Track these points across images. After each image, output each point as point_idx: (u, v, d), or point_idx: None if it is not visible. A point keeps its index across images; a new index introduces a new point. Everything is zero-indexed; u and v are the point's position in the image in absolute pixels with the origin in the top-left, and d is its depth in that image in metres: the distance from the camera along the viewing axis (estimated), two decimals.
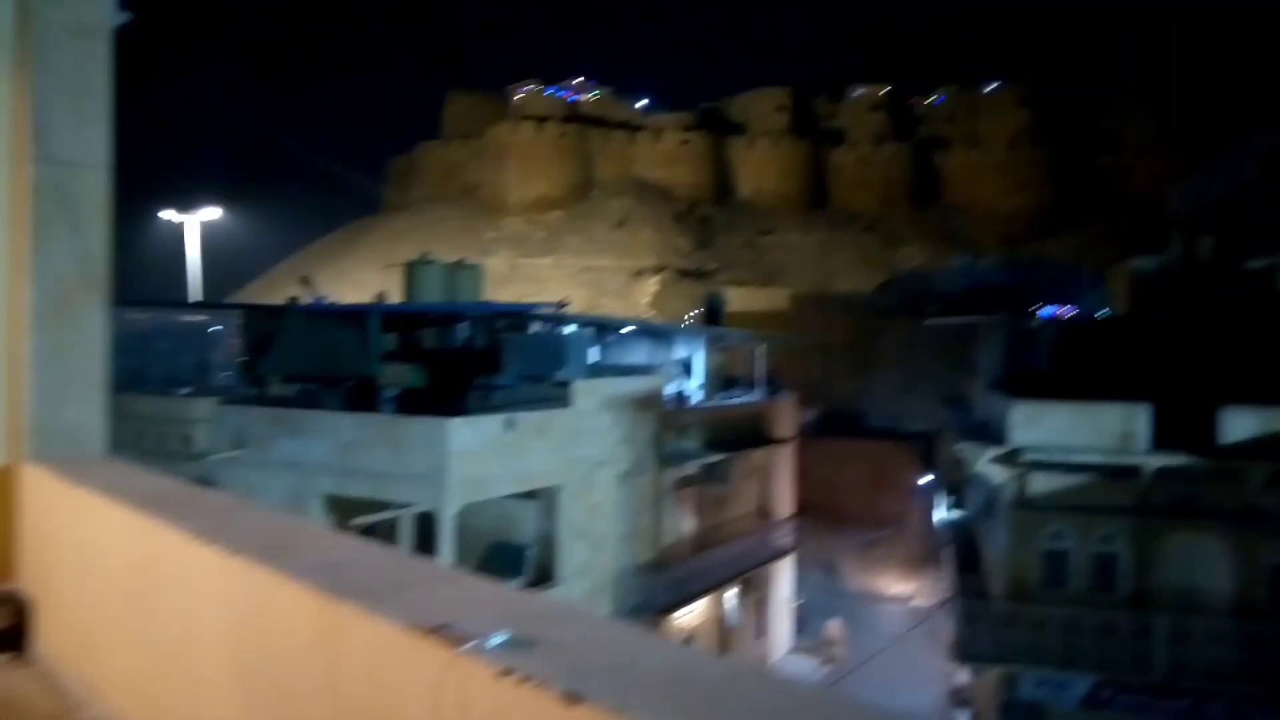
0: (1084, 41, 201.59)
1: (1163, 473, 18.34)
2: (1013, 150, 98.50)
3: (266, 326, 20.67)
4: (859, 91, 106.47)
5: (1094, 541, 18.91)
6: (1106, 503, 18.69)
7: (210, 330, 27.22)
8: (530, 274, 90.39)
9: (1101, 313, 38.25)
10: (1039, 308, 37.08)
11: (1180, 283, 26.72)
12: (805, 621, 32.16)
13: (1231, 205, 27.44)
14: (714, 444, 24.30)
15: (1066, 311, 37.57)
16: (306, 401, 19.00)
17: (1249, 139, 24.37)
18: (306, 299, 24.25)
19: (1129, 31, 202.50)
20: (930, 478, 37.74)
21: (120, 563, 3.20)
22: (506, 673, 1.47)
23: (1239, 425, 17.89)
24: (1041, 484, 19.02)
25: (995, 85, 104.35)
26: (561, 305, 25.21)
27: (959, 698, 24.97)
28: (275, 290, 72.27)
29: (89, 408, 4.25)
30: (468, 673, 1.56)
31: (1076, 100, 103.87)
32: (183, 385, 20.75)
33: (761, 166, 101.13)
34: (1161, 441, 18.23)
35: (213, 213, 37.13)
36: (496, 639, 1.59)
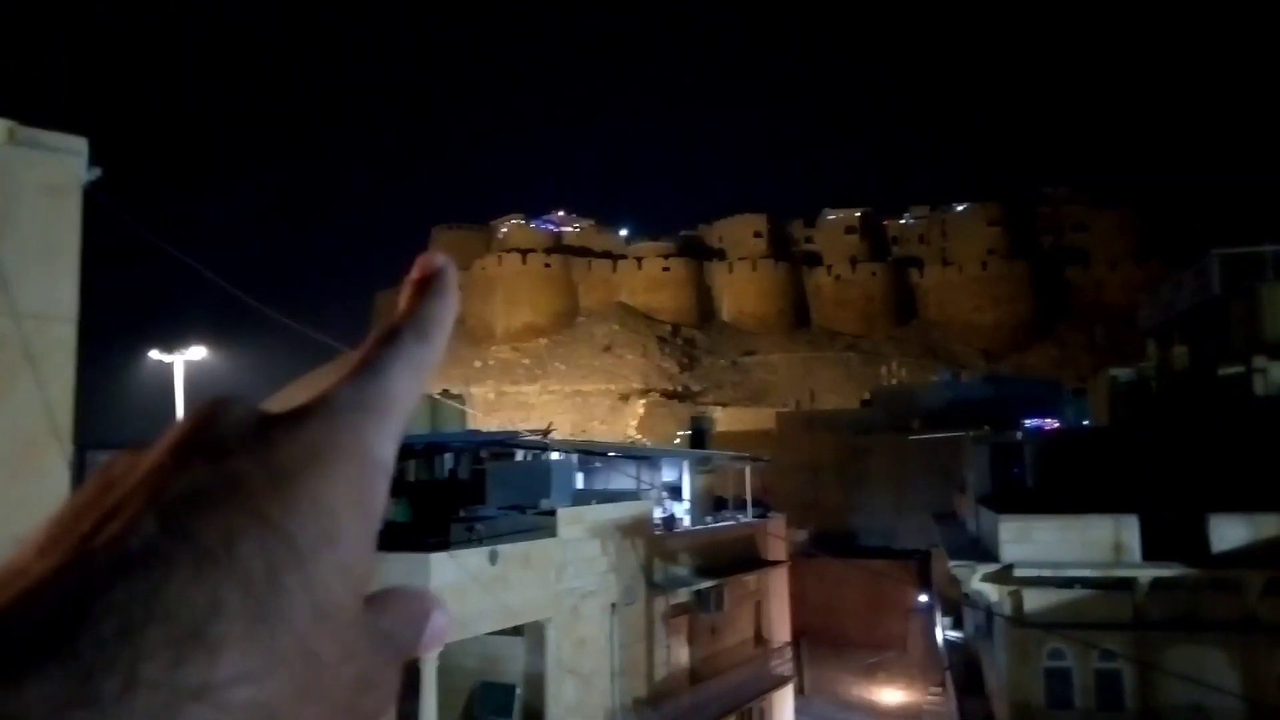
0: (1050, 158, 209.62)
1: (1157, 584, 18.06)
2: (985, 267, 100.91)
3: None
4: (833, 215, 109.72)
5: (1094, 659, 18.45)
6: (1103, 618, 18.32)
7: None
8: (518, 401, 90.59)
9: (1083, 424, 38.45)
10: (1022, 421, 37.26)
11: (1158, 392, 27.00)
12: None
13: (1200, 315, 28.00)
14: (705, 569, 23.88)
15: (1049, 424, 37.75)
16: None
17: (1212, 249, 25.08)
18: None
19: (1097, 146, 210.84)
20: (927, 596, 37.05)
21: None
22: None
23: (1229, 533, 17.75)
24: (1036, 601, 18.67)
25: (965, 206, 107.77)
26: (547, 431, 25.22)
27: None
28: None
29: None
30: None
31: (1045, 217, 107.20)
32: None
33: (742, 289, 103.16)
34: (1152, 553, 18.03)
35: (199, 352, 37.32)
36: None
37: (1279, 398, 23.18)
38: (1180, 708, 18.04)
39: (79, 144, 4.46)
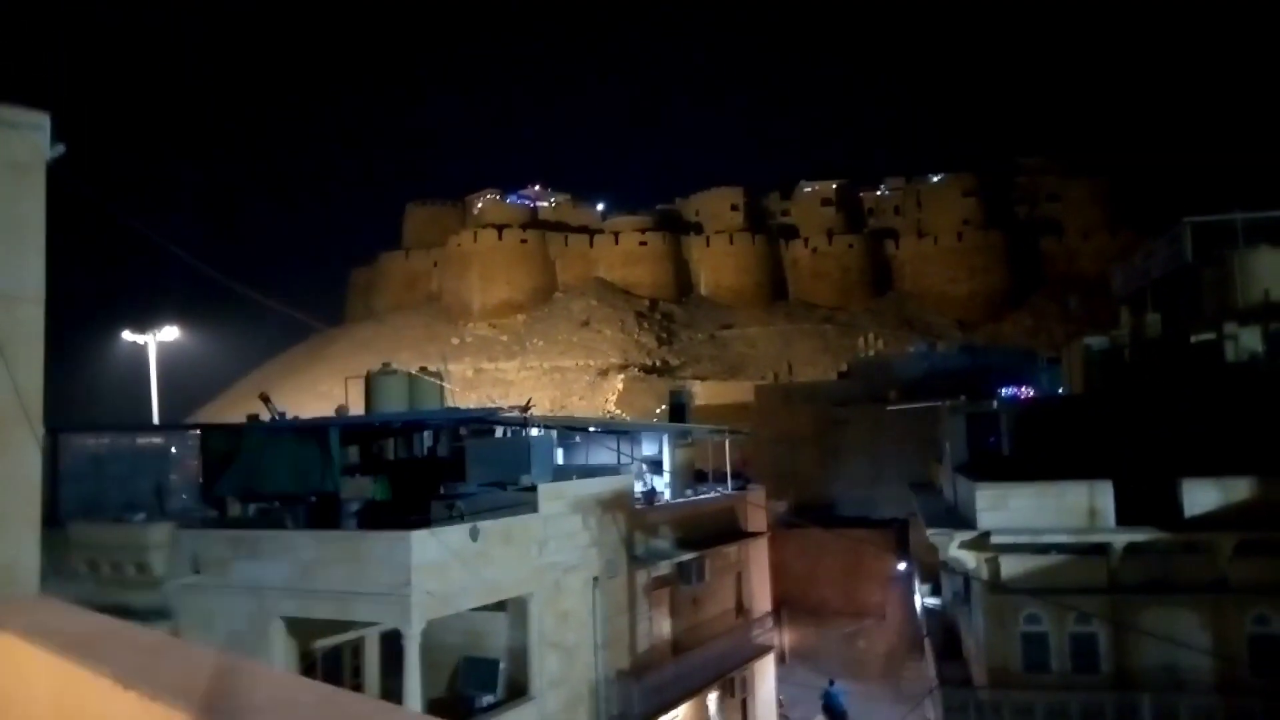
0: (1024, 129, 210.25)
1: (1131, 549, 18.34)
2: (960, 238, 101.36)
3: (225, 446, 20.34)
4: (809, 188, 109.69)
5: (1071, 623, 18.75)
6: (1079, 582, 18.60)
7: (169, 452, 26.71)
8: (496, 378, 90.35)
9: (1058, 392, 38.83)
10: (998, 390, 37.56)
11: (1131, 360, 27.29)
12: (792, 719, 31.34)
13: (1173, 282, 28.29)
14: (686, 541, 23.99)
15: (1024, 392, 38.08)
16: (266, 521, 18.59)
17: (1183, 218, 25.30)
18: (266, 416, 23.97)
19: (1068, 117, 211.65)
20: (905, 565, 37.46)
21: (44, 710, 3.05)
22: None
23: (1201, 497, 18.03)
24: (1013, 567, 18.92)
25: (940, 176, 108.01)
26: (526, 408, 25.16)
27: None
28: (236, 408, 71.41)
29: (20, 545, 4.12)
30: None
31: (1020, 187, 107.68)
32: (138, 510, 20.20)
33: (719, 263, 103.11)
34: (1126, 518, 18.29)
35: (172, 332, 36.89)
36: None
37: (1249, 363, 23.50)
38: (1154, 668, 18.39)
39: (41, 119, 4.36)
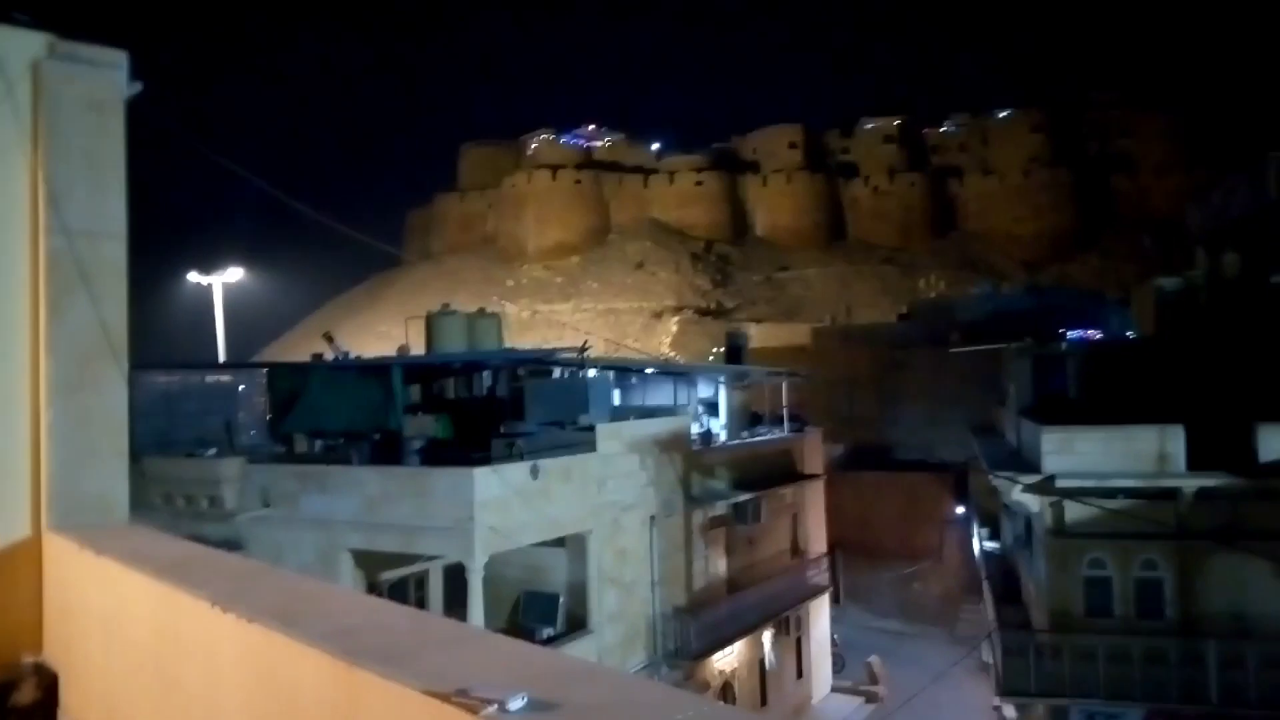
0: (1095, 63, 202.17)
1: (1202, 494, 17.94)
2: (1028, 176, 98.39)
3: (291, 384, 20.81)
4: (870, 124, 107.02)
5: (1136, 567, 18.48)
6: (1146, 528, 18.28)
7: (237, 390, 27.46)
8: (551, 320, 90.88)
9: (1128, 335, 37.83)
10: (1064, 332, 36.72)
11: (1206, 302, 26.40)
12: (845, 660, 31.59)
13: (1254, 221, 27.14)
14: (742, 483, 24.08)
15: (1092, 335, 37.17)
16: (332, 457, 19.05)
17: (1267, 154, 24.16)
18: (330, 355, 24.43)
19: (1141, 49, 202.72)
20: (964, 509, 37.20)
21: (143, 631, 3.17)
22: None
23: (1277, 442, 17.52)
24: (1077, 511, 18.65)
25: (1007, 112, 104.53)
26: (583, 349, 25.28)
27: None
28: (299, 347, 72.95)
29: (111, 475, 4.26)
30: None
31: (1091, 122, 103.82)
32: (210, 446, 20.88)
33: (776, 203, 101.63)
34: (1197, 463, 17.86)
35: (236, 273, 37.67)
36: (517, 702, 1.54)
37: None
38: (1220, 615, 18.10)
39: (119, 57, 4.38)
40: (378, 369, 20.73)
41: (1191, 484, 17.90)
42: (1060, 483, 18.47)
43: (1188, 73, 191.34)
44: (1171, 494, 18.15)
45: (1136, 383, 20.93)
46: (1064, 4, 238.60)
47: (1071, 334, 36.31)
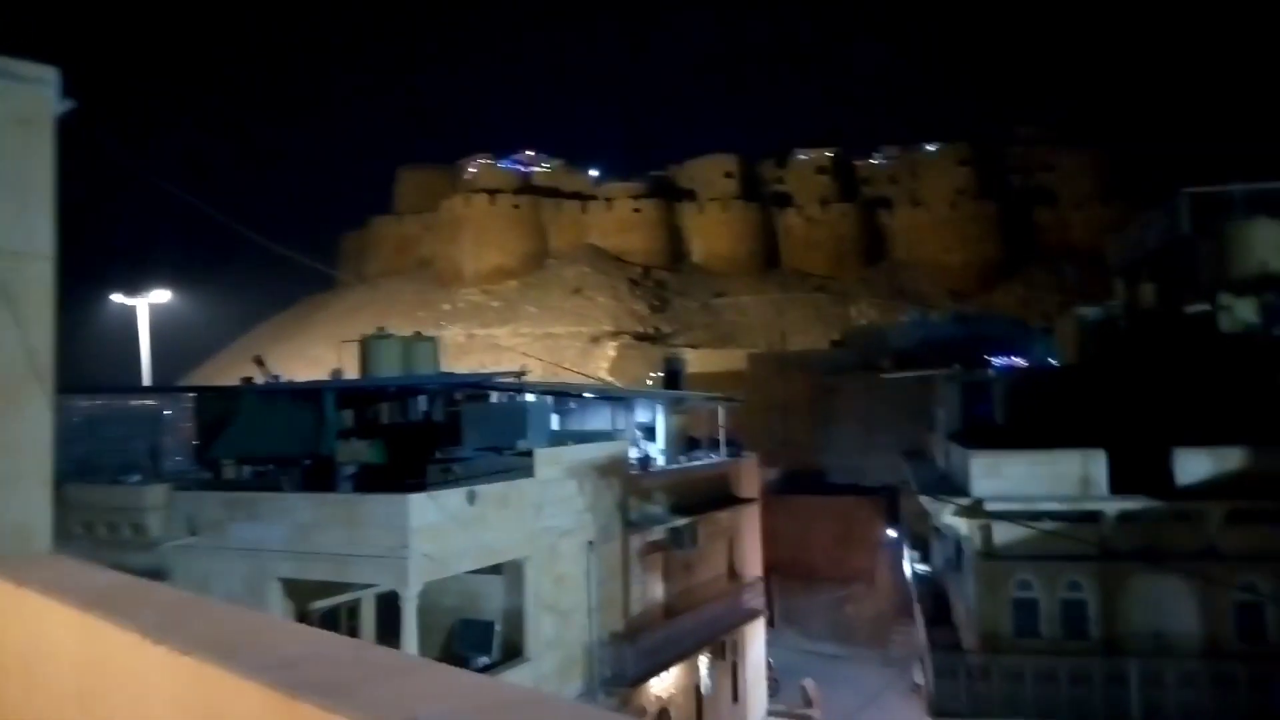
0: (1020, 100, 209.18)
1: (1123, 517, 18.52)
2: (954, 208, 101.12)
3: (219, 408, 20.32)
4: (803, 155, 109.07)
5: (1061, 589, 18.96)
6: (1070, 550, 18.80)
7: (162, 415, 26.67)
8: (488, 344, 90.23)
9: (1051, 362, 38.98)
10: (990, 359, 37.69)
11: (1125, 330, 27.36)
12: (780, 683, 31.72)
13: (1168, 254, 28.31)
14: (679, 507, 24.13)
15: (1017, 362, 38.22)
16: (262, 484, 18.60)
17: (1180, 190, 25.27)
18: (260, 379, 23.91)
19: (1064, 88, 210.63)
20: (895, 532, 37.76)
21: (67, 667, 3.06)
22: None
23: (1193, 466, 18.18)
24: (1005, 534, 19.10)
25: (935, 146, 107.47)
26: (520, 374, 25.14)
27: None
28: (228, 371, 71.21)
29: (34, 503, 4.11)
30: None
31: (1015, 157, 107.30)
32: (134, 472, 20.21)
33: (713, 231, 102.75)
34: (1119, 486, 18.44)
35: (163, 295, 36.68)
36: None
37: (1243, 334, 23.61)
38: (1142, 634, 18.65)
39: (49, 73, 4.28)
40: (309, 393, 20.35)
41: (1113, 507, 18.46)
42: (988, 505, 18.89)
43: (1108, 111, 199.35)
44: (1094, 517, 18.70)
45: (1060, 409, 21.56)
46: (991, 42, 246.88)
47: (997, 361, 37.30)
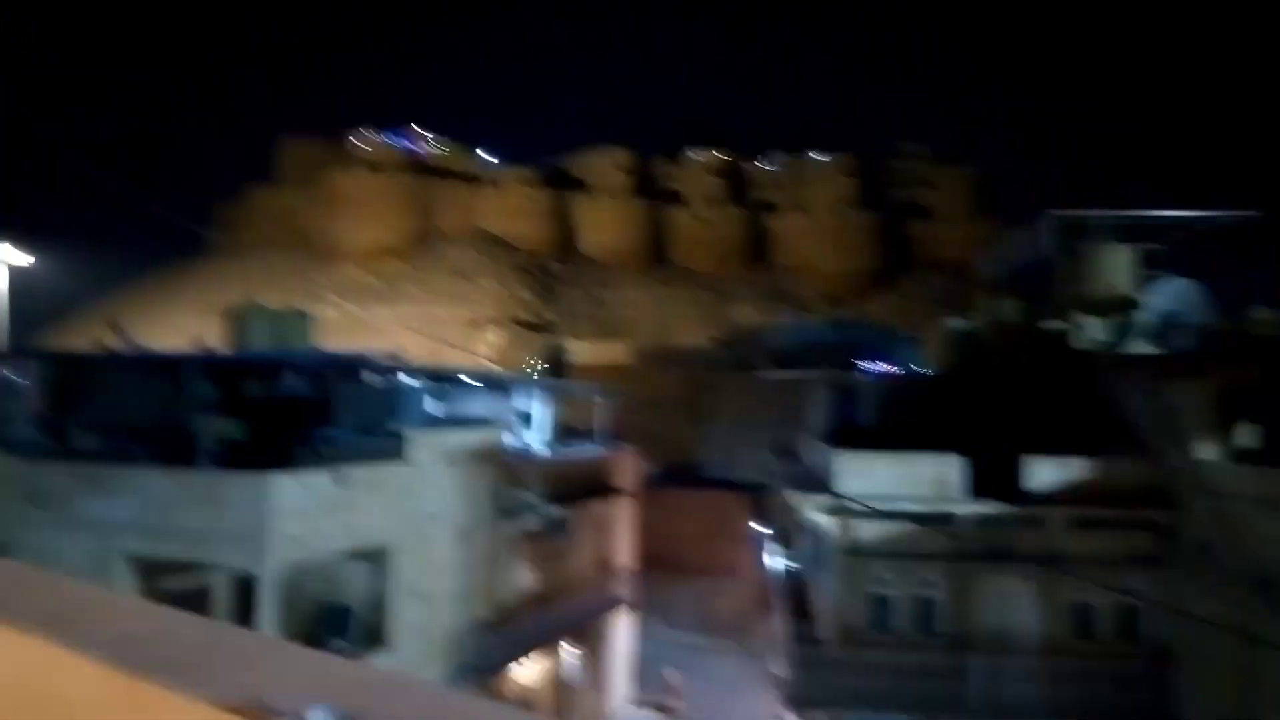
0: (904, 115, 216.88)
1: (976, 520, 19.51)
2: (837, 216, 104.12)
3: (71, 375, 19.15)
4: (695, 155, 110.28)
5: (915, 586, 19.84)
6: (926, 549, 19.70)
7: (8, 380, 24.94)
8: (367, 323, 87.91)
9: (917, 369, 40.66)
10: (861, 364, 39.05)
11: (987, 343, 28.80)
12: (644, 673, 32.09)
13: (1031, 271, 29.95)
14: (555, 497, 24.09)
15: (886, 368, 39.71)
16: (114, 456, 17.63)
17: (1045, 212, 26.72)
18: (117, 346, 22.64)
19: (947, 106, 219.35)
20: (763, 527, 38.71)
21: None
22: None
23: (1041, 474, 19.30)
24: (866, 531, 19.85)
25: (822, 155, 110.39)
26: (398, 355, 24.55)
27: None
28: (82, 337, 67.23)
29: None
30: None
31: (896, 171, 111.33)
32: None
33: (603, 223, 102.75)
34: (974, 491, 19.43)
35: (18, 255, 34.25)
36: (318, 715, 1.49)
37: (1093, 352, 25.16)
38: (987, 631, 19.70)
39: None
40: (171, 364, 19.41)
41: (967, 510, 19.41)
42: (851, 504, 19.59)
43: (985, 133, 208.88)
44: (949, 518, 19.62)
45: (924, 414, 22.53)
46: (877, 59, 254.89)
47: (868, 366, 38.70)
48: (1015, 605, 19.69)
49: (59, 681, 2.00)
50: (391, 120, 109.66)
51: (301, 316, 27.44)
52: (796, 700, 20.61)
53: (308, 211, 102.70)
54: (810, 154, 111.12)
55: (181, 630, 2.17)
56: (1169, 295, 23.25)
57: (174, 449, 17.21)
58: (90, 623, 2.20)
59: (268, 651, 2.01)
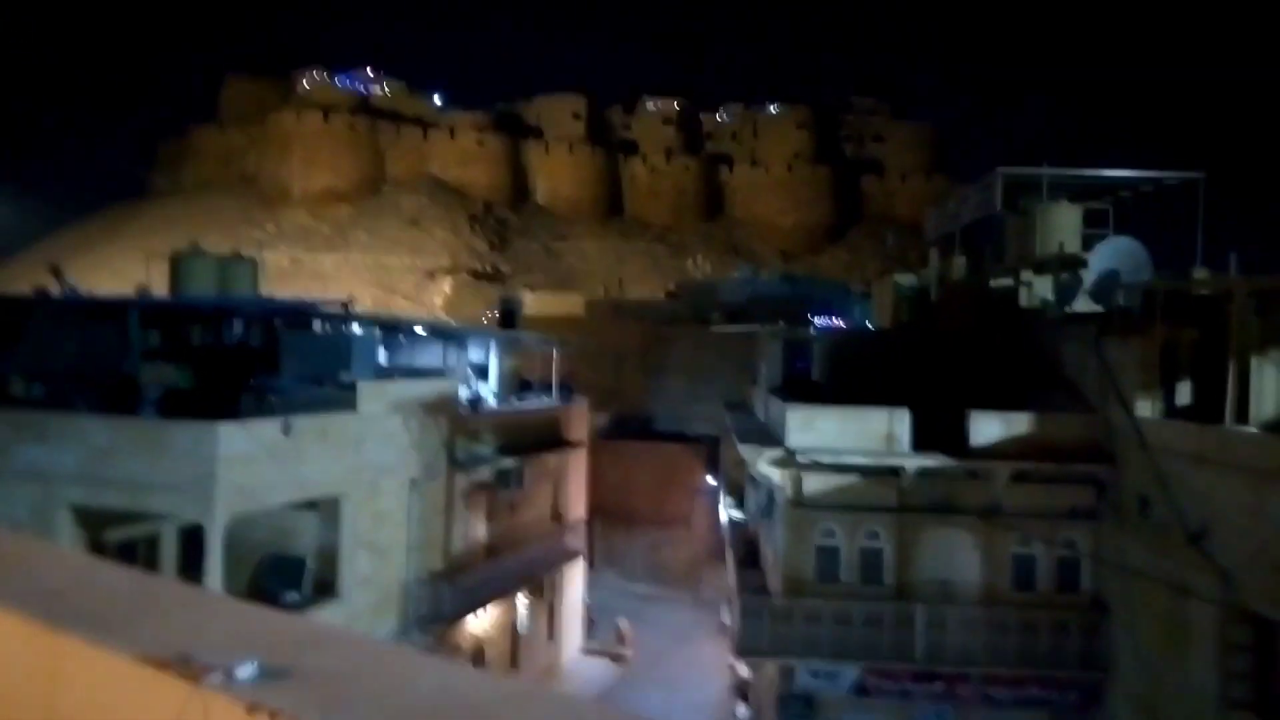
0: (859, 69, 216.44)
1: (922, 473, 19.86)
2: (791, 170, 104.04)
3: (9, 320, 18.57)
4: (652, 105, 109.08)
5: (861, 538, 20.21)
6: (872, 502, 20.04)
7: None
8: (315, 270, 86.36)
9: (867, 325, 41.09)
10: (813, 319, 39.34)
11: (936, 299, 29.11)
12: (596, 623, 32.47)
13: (980, 229, 30.21)
14: (508, 448, 24.06)
15: (837, 323, 40.05)
16: (54, 403, 17.19)
17: (997, 169, 26.89)
18: (56, 291, 21.98)
19: (903, 62, 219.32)
20: (714, 479, 39.11)
21: None
22: (255, 708, 1.33)
23: (986, 429, 19.66)
24: (815, 484, 20.12)
25: (777, 107, 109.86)
26: (348, 304, 24.18)
27: (741, 690, 25.99)
28: (19, 280, 65.17)
29: None
30: (211, 708, 1.40)
31: (850, 125, 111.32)
32: None
33: (558, 172, 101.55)
34: (921, 444, 19.74)
35: None
36: (246, 669, 1.44)
37: (1040, 309, 25.56)
38: (930, 582, 20.17)
39: None
40: (112, 308, 18.90)
41: (913, 463, 19.75)
42: (800, 457, 19.82)
43: (940, 89, 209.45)
44: (896, 471, 19.96)
45: (873, 369, 22.78)
46: (834, 12, 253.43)
47: (819, 321, 39.00)
48: (959, 557, 20.16)
49: None
50: (342, 61, 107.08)
51: (247, 262, 26.83)
52: (745, 649, 20.99)
53: (254, 153, 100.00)
54: (767, 106, 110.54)
55: (110, 582, 2.09)
56: (1112, 254, 23.62)
57: (117, 396, 16.83)
58: (15, 574, 2.12)
59: (199, 605, 1.95)
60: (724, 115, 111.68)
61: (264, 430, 15.74)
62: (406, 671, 1.49)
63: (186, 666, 1.46)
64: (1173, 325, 18.45)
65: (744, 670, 24.67)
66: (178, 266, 24.82)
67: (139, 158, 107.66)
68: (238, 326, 22.37)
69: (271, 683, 1.41)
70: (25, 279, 53.79)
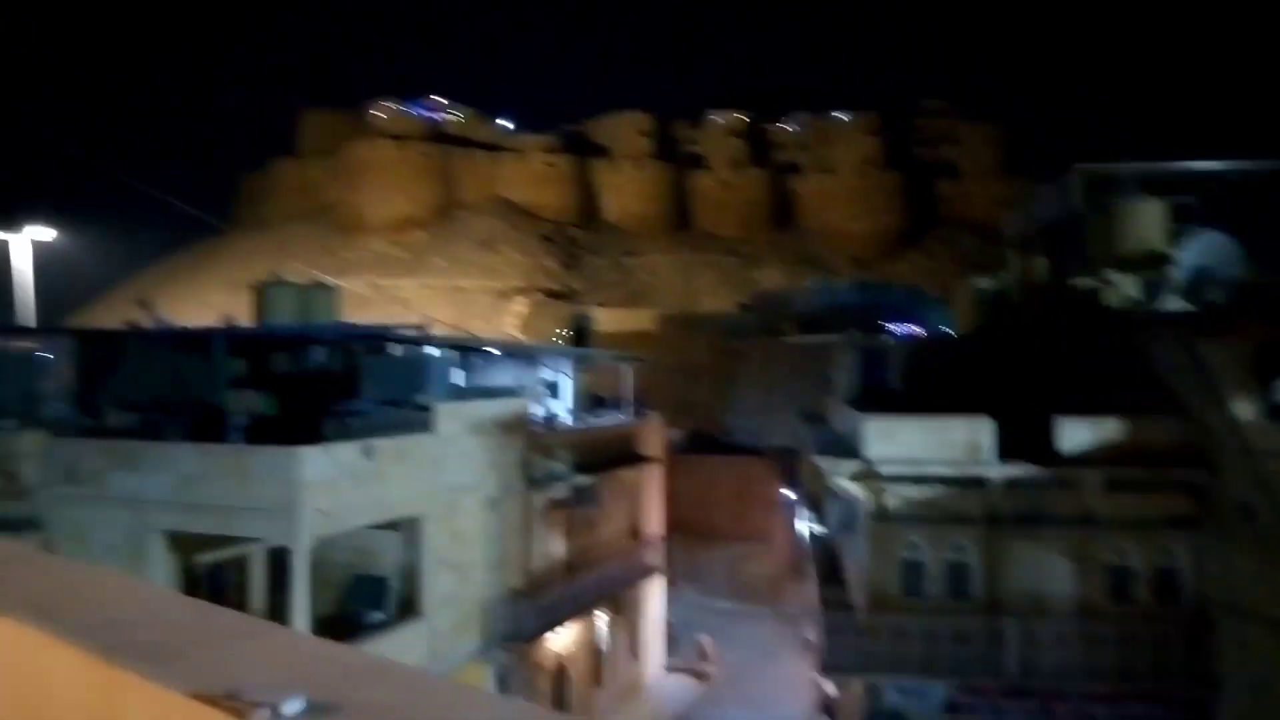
0: (928, 73, 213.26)
1: (1008, 483, 19.24)
2: (861, 177, 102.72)
3: (103, 352, 19.32)
4: (717, 118, 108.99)
5: (947, 551, 19.65)
6: (957, 513, 19.47)
7: (41, 358, 25.25)
8: (393, 295, 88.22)
9: (945, 330, 40.18)
10: (889, 327, 38.62)
11: (1017, 302, 28.31)
12: (677, 639, 32.24)
13: (1061, 228, 29.32)
14: (583, 465, 24.10)
15: (914, 330, 39.26)
16: (146, 432, 17.80)
17: (1074, 166, 26.06)
18: (147, 323, 22.80)
19: (970, 63, 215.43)
20: (792, 493, 38.61)
21: None
22: None
23: (1075, 435, 18.97)
24: (896, 496, 19.66)
25: (845, 115, 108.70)
26: (424, 327, 24.52)
27: (827, 708, 25.47)
28: (113, 315, 68.01)
29: None
30: None
31: (920, 129, 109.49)
32: (8, 417, 19.09)
33: (626, 189, 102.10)
34: (1006, 453, 19.13)
35: (44, 231, 34.56)
36: (293, 704, 1.38)
37: (1125, 309, 24.65)
38: (1021, 595, 19.49)
39: None
40: (199, 339, 19.52)
41: (999, 473, 19.15)
42: (881, 469, 19.39)
43: (1010, 88, 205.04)
44: (981, 482, 19.37)
45: (953, 376, 22.21)
46: (902, 15, 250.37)
47: (895, 328, 38.28)
48: (1050, 569, 19.45)
49: (40, 669, 1.92)
50: (410, 90, 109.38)
51: (326, 290, 27.49)
52: (830, 666, 20.58)
53: (330, 184, 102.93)
54: (833, 114, 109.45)
55: (170, 612, 2.08)
56: (1201, 249, 22.64)
57: (205, 424, 17.35)
58: (77, 606, 2.11)
59: (254, 636, 1.91)
60: (792, 125, 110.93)
61: (345, 453, 16.03)
62: (457, 706, 1.42)
63: (235, 703, 1.42)
64: (1268, 321, 17.57)
65: (830, 688, 24.18)
66: (261, 296, 25.55)
67: (223, 190, 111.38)
68: (319, 353, 22.90)
69: (319, 718, 1.35)
70: (118, 314, 56.08)
